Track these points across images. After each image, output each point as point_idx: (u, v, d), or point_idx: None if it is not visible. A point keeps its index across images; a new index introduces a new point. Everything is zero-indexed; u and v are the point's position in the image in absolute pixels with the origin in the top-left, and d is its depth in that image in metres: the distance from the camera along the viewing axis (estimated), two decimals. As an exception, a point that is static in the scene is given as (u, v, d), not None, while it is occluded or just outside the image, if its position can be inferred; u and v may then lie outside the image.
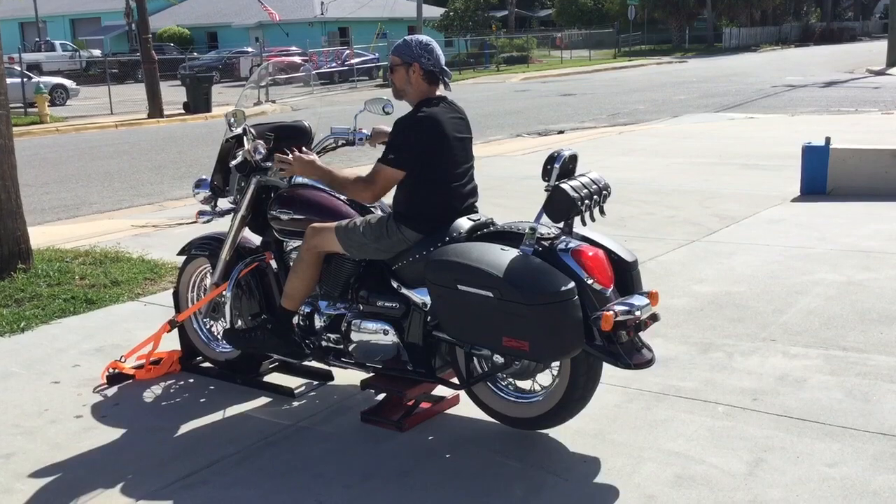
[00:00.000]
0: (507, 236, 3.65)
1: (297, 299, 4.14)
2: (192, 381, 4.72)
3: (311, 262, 4.06)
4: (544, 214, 3.55)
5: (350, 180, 3.89)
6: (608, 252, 3.57)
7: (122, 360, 4.73)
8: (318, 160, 4.01)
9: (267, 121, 4.97)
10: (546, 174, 3.54)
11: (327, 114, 21.62)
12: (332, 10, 51.88)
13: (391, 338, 3.92)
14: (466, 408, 4.08)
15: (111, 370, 4.69)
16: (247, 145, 4.39)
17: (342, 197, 4.25)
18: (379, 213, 4.14)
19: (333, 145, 4.65)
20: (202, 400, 4.46)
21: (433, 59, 3.85)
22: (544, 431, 3.84)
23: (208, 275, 4.74)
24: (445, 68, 3.90)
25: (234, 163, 4.44)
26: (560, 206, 3.50)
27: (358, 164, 11.38)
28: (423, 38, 3.93)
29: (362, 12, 52.50)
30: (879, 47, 36.65)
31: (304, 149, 4.14)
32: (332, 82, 36.33)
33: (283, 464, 3.71)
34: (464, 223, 3.82)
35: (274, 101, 25.92)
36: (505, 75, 38.27)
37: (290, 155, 4.01)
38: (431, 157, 3.77)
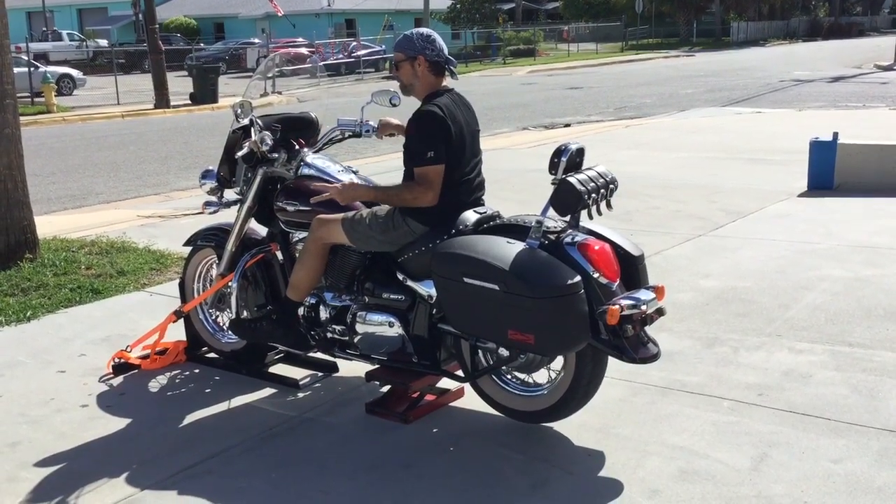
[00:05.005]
0: (514, 229, 3.65)
1: (302, 290, 4.14)
2: (197, 371, 4.73)
3: (317, 254, 4.06)
4: (551, 208, 3.55)
5: (403, 188, 3.76)
6: (614, 246, 3.57)
7: (128, 349, 4.74)
8: (356, 178, 4.07)
9: (273, 112, 4.98)
10: (553, 167, 3.54)
11: (334, 105, 21.64)
12: (339, 1, 51.82)
13: (396, 330, 3.92)
14: (471, 400, 4.08)
15: (117, 360, 4.71)
16: (253, 136, 4.39)
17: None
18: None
19: (340, 137, 4.64)
20: (207, 390, 4.47)
21: (436, 49, 3.84)
22: (549, 425, 3.84)
23: (214, 265, 4.75)
24: (450, 57, 3.89)
25: (240, 154, 4.43)
26: (567, 200, 3.49)
27: (364, 156, 11.37)
28: (424, 30, 3.92)
29: (369, 4, 52.41)
30: (888, 42, 36.48)
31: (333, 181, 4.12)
32: (338, 74, 36.30)
33: (288, 455, 3.72)
34: (470, 216, 3.82)
35: (280, 93, 25.92)
36: (511, 68, 38.20)
37: (329, 190, 3.96)
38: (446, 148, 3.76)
